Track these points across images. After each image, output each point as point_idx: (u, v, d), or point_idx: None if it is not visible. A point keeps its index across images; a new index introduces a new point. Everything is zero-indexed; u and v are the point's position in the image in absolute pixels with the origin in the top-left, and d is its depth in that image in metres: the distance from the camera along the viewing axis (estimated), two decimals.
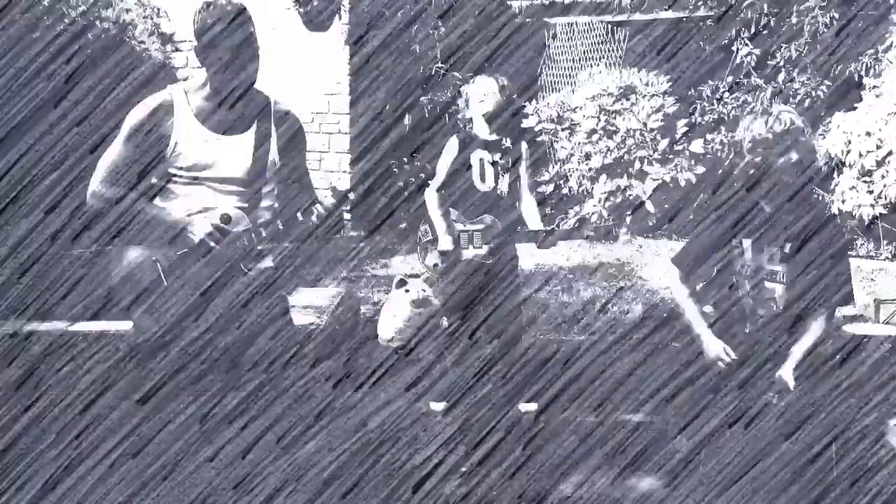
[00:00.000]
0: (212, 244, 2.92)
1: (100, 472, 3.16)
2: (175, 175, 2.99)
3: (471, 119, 4.49)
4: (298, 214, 3.00)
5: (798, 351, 3.27)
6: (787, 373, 3.22)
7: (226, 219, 2.95)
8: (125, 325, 3.21)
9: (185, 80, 3.64)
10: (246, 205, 3.03)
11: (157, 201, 3.01)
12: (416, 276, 5.44)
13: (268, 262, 3.11)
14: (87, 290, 4.70)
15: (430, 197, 4.48)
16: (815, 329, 3.29)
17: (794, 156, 3.20)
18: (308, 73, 8.97)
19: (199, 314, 2.97)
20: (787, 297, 3.27)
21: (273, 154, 3.07)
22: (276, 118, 3.10)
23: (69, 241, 5.07)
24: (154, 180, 2.99)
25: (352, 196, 3.03)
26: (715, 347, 3.28)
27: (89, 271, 4.78)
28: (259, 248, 3.05)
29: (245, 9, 2.93)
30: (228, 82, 2.95)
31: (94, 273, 4.73)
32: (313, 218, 3.02)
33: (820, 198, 7.89)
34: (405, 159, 8.92)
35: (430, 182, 4.53)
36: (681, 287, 3.41)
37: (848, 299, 3.33)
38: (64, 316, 4.68)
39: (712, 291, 3.46)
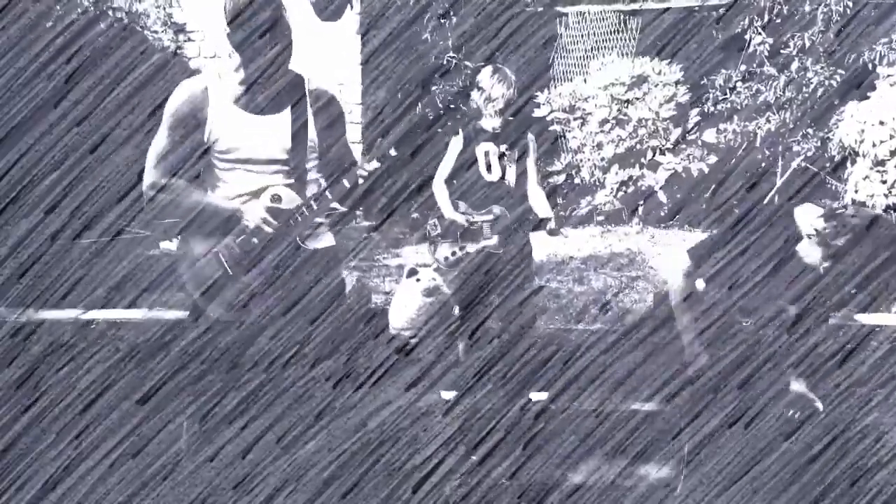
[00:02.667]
0: (267, 229, 2.98)
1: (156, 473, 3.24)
2: (217, 160, 3.03)
3: (479, 109, 4.49)
4: (345, 182, 3.01)
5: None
6: (799, 386, 3.22)
7: (276, 198, 3.00)
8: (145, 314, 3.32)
9: (214, 58, 3.67)
10: (294, 181, 3.05)
11: (208, 188, 3.06)
12: (427, 265, 5.44)
13: (329, 241, 3.16)
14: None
15: (438, 188, 4.51)
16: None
17: None
18: (320, 63, 8.97)
19: (267, 297, 3.04)
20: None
21: (312, 134, 3.08)
22: (312, 98, 3.12)
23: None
24: (198, 166, 3.04)
25: (393, 152, 3.02)
26: (696, 358, 3.25)
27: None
28: (316, 221, 3.08)
29: None
30: (262, 66, 2.97)
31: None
32: (359, 181, 3.03)
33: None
34: (415, 147, 8.90)
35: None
36: (682, 284, 3.39)
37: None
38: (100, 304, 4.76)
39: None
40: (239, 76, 3.01)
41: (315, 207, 3.02)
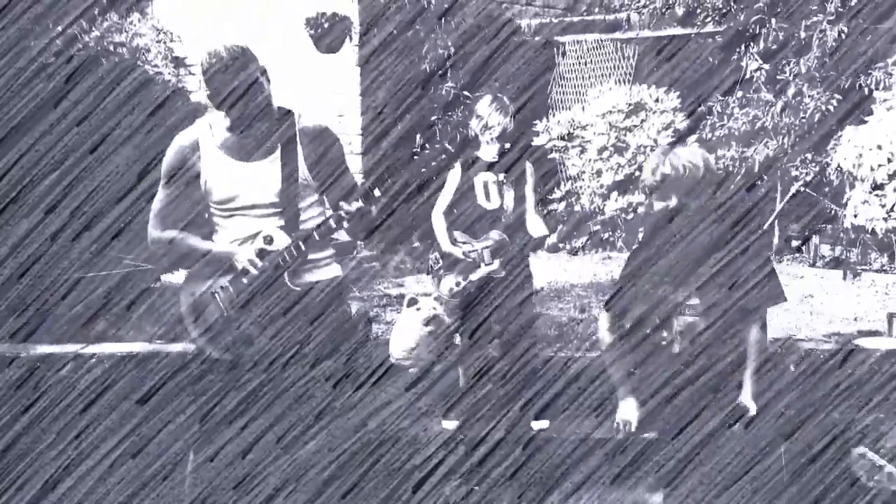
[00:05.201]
0: (251, 269, 3.05)
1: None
2: (213, 209, 3.14)
3: (477, 137, 4.52)
4: (331, 221, 3.04)
5: (749, 375, 3.21)
6: (746, 398, 3.19)
7: (269, 240, 3.07)
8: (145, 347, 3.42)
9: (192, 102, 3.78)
10: (287, 222, 3.10)
11: (208, 236, 3.19)
12: (427, 294, 5.45)
13: (335, 271, 3.25)
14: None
15: (437, 220, 4.54)
16: (753, 343, 3.20)
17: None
18: (320, 95, 9.03)
19: (252, 334, 3.12)
20: (705, 323, 3.20)
21: (303, 171, 3.12)
22: (303, 134, 3.14)
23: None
24: (198, 216, 3.17)
25: (377, 193, 3.04)
26: (627, 413, 3.24)
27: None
28: (319, 255, 3.16)
29: (245, 49, 3.01)
30: (245, 120, 3.04)
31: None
32: (343, 223, 3.04)
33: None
34: (416, 178, 8.94)
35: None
36: (608, 336, 3.33)
37: (777, 297, 3.21)
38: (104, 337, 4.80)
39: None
40: (227, 124, 3.08)
41: (303, 248, 3.07)
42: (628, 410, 3.27)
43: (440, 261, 4.56)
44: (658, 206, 3.19)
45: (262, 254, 3.06)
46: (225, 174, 3.08)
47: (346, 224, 3.02)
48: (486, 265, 4.45)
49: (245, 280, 3.07)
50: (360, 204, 2.99)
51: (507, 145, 4.50)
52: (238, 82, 2.97)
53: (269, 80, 3.08)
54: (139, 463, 3.71)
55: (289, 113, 3.16)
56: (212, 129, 3.11)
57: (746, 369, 3.21)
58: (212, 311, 3.12)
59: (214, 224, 3.17)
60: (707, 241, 3.20)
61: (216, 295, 3.11)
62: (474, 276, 4.46)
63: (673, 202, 3.16)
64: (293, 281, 3.10)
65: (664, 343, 3.23)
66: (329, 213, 3.16)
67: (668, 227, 3.21)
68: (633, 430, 3.25)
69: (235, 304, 3.09)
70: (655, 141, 8.74)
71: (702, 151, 3.23)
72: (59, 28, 6.75)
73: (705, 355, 3.18)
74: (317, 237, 3.05)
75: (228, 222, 3.13)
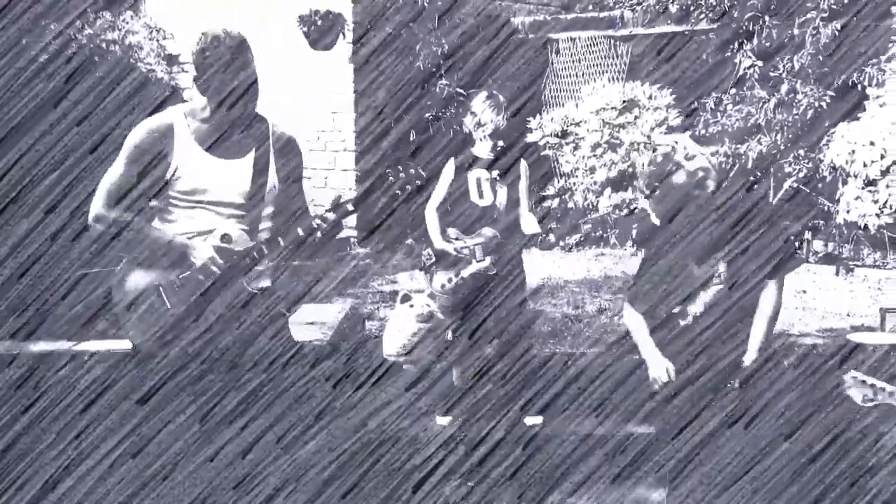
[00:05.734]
0: (213, 268, 2.95)
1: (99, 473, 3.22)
2: (175, 198, 3.00)
3: (470, 134, 4.52)
4: (299, 230, 3.00)
5: (758, 326, 3.27)
6: (751, 351, 3.24)
7: (227, 239, 2.98)
8: (125, 345, 3.25)
9: (185, 101, 3.69)
10: (247, 227, 3.05)
11: (156, 223, 3.02)
12: (421, 291, 5.45)
13: (265, 282, 3.11)
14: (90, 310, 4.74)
15: (430, 216, 4.54)
16: (767, 300, 3.28)
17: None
18: (313, 92, 9.04)
19: (204, 335, 3.00)
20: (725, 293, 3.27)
21: (272, 178, 3.08)
22: (275, 142, 3.12)
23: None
24: (154, 203, 3.01)
25: (351, 208, 3.03)
26: (658, 369, 3.28)
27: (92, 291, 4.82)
28: (261, 267, 3.06)
29: (244, 40, 2.96)
30: (228, 112, 2.97)
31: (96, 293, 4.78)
32: (318, 234, 3.02)
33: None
34: (410, 175, 8.94)
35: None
36: (635, 316, 3.44)
37: (795, 262, 3.31)
38: (66, 336, 4.72)
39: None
40: (205, 116, 3.01)
41: (265, 251, 3.00)
42: (658, 365, 3.30)
43: (432, 257, 4.56)
44: (653, 205, 3.25)
45: (221, 252, 2.96)
46: (197, 165, 2.99)
47: (320, 234, 2.97)
48: (477, 262, 4.45)
49: (202, 276, 2.96)
50: (333, 217, 2.98)
51: (501, 143, 4.50)
52: (231, 70, 2.91)
53: (257, 85, 3.02)
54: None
55: (264, 119, 3.12)
56: (187, 118, 3.03)
57: (755, 322, 3.27)
58: (154, 305, 2.98)
59: (170, 213, 3.02)
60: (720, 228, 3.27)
61: (161, 289, 2.98)
62: (466, 273, 4.47)
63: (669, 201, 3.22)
64: (250, 284, 3.03)
65: (688, 320, 3.31)
66: (274, 227, 3.10)
67: (674, 222, 3.27)
68: (671, 379, 3.24)
69: (184, 300, 2.97)
70: (648, 137, 8.75)
71: (706, 155, 3.29)
72: (53, 26, 6.74)
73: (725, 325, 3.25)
74: (281, 243, 2.99)
75: (186, 213, 3.01)
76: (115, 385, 3.46)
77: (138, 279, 3.00)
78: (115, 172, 2.98)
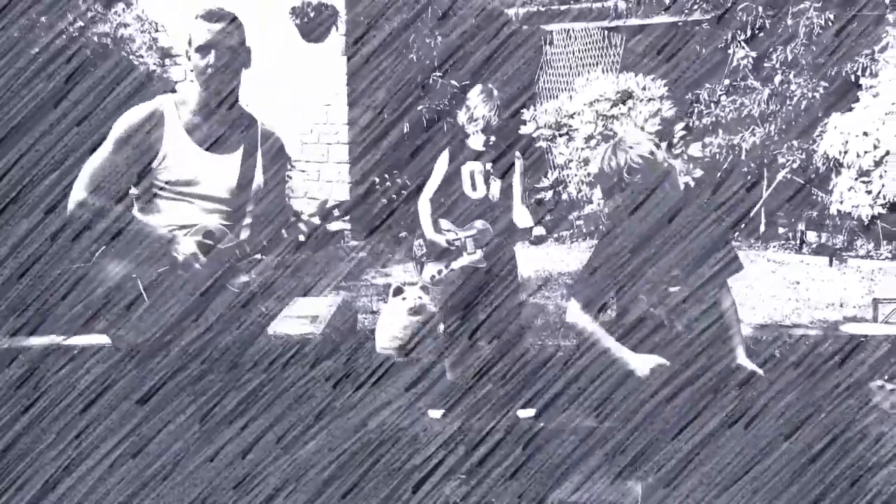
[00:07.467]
0: (195, 265, 2.89)
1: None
2: (160, 187, 2.96)
3: (464, 127, 4.51)
4: (283, 232, 2.96)
5: (737, 337, 3.24)
6: (745, 361, 3.22)
7: (209, 235, 2.94)
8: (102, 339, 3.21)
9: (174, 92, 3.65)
10: (230, 222, 3.02)
11: (138, 213, 2.98)
12: (413, 283, 5.45)
13: (244, 278, 3.08)
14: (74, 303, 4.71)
15: (423, 207, 4.53)
16: (728, 309, 3.25)
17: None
18: (306, 85, 9.01)
19: (181, 330, 2.94)
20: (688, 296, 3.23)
21: (258, 176, 3.06)
22: (263, 140, 3.10)
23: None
24: (138, 192, 2.97)
25: (337, 213, 3.00)
26: (643, 364, 3.12)
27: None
28: (242, 264, 3.02)
29: (235, 17, 2.95)
30: (217, 91, 2.93)
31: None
32: (300, 237, 2.97)
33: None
34: (403, 168, 8.95)
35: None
36: (583, 315, 3.22)
37: (739, 268, 3.26)
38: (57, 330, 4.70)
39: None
40: (194, 106, 2.98)
41: (248, 250, 2.96)
42: (644, 362, 3.13)
43: (423, 247, 4.56)
44: (618, 199, 3.20)
45: (203, 248, 2.92)
46: (185, 156, 2.96)
47: (301, 238, 2.91)
48: (468, 254, 4.44)
49: (181, 272, 2.90)
50: (317, 221, 2.93)
51: (494, 136, 4.49)
52: (229, 58, 2.90)
53: (246, 66, 3.00)
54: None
55: (252, 117, 3.11)
56: (178, 107, 2.99)
57: (731, 333, 3.25)
58: (129, 296, 2.89)
59: (154, 204, 2.97)
60: (677, 225, 3.21)
61: (139, 280, 2.89)
62: (456, 265, 4.46)
63: (630, 195, 3.17)
64: (230, 282, 3.00)
65: (660, 321, 3.25)
66: (256, 225, 3.08)
67: (631, 219, 3.22)
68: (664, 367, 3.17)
69: (162, 295, 2.90)
70: (642, 129, 8.74)
71: (650, 141, 3.24)
72: (44, 19, 6.71)
73: (689, 325, 3.20)
74: (264, 244, 2.95)
75: (169, 205, 2.96)
76: (105, 383, 3.44)
77: (115, 272, 2.91)
78: (99, 157, 2.90)
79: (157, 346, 2.94)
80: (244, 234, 3.05)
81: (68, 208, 2.94)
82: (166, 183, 2.95)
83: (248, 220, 3.07)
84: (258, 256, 3.03)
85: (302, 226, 2.94)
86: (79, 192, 2.90)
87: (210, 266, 2.93)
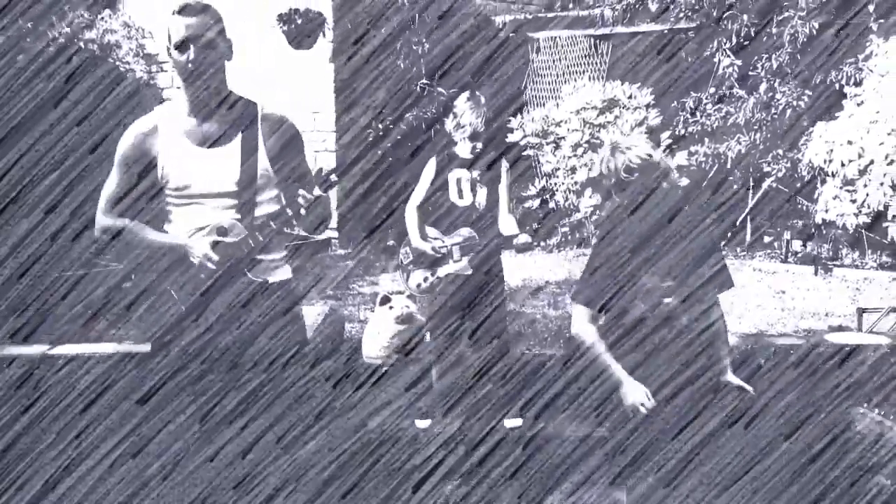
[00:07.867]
0: (208, 265, 2.93)
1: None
2: (170, 196, 3.01)
3: (451, 134, 4.51)
4: (287, 210, 2.96)
5: (725, 349, 3.26)
6: (732, 378, 3.23)
7: (222, 231, 2.97)
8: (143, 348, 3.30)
9: (169, 101, 3.64)
10: (240, 215, 3.01)
11: (158, 225, 3.06)
12: (401, 292, 5.45)
13: (285, 273, 3.14)
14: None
15: (410, 214, 4.54)
16: (716, 318, 3.26)
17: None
18: (293, 92, 9.00)
19: (212, 325, 3.02)
20: (680, 306, 3.23)
21: (263, 162, 3.03)
22: (265, 125, 3.07)
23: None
24: (153, 204, 3.04)
25: (334, 178, 2.98)
26: (636, 394, 3.10)
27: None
28: (272, 255, 3.07)
29: (210, 7, 2.94)
30: (202, 86, 2.94)
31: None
32: (301, 210, 2.94)
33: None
34: (390, 176, 8.95)
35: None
36: (588, 327, 3.23)
37: (730, 285, 3.28)
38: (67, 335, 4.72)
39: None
40: (186, 107, 2.99)
41: (260, 238, 2.98)
42: (634, 391, 3.12)
43: (410, 255, 4.56)
44: (618, 199, 3.21)
45: (216, 248, 2.95)
46: (183, 160, 2.97)
47: (303, 212, 2.92)
48: (454, 262, 4.45)
49: (203, 275, 2.96)
50: (319, 192, 2.91)
51: (481, 143, 4.50)
52: (209, 51, 2.91)
53: (230, 49, 3.02)
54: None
55: (252, 103, 3.09)
56: (171, 114, 3.02)
57: (720, 349, 3.25)
58: (168, 307, 3.00)
59: (168, 213, 3.05)
60: (675, 229, 3.22)
61: (172, 290, 2.99)
62: (442, 273, 4.47)
63: (630, 195, 3.18)
64: (252, 272, 3.02)
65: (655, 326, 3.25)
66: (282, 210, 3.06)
67: (630, 219, 3.23)
68: (648, 407, 3.11)
69: (193, 299, 2.97)
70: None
71: (649, 142, 3.26)
72: (30, 25, 6.69)
73: (684, 333, 3.20)
74: (273, 226, 2.96)
75: (183, 211, 3.01)
76: (114, 385, 3.48)
77: (146, 282, 3.06)
78: (111, 181, 3.05)
79: (197, 346, 3.02)
80: (260, 223, 3.02)
81: (94, 234, 3.11)
82: (172, 191, 3.00)
83: (264, 210, 3.05)
84: (258, 257, 3.04)
85: (301, 199, 2.93)
86: (100, 218, 3.07)
87: (226, 264, 2.97)
